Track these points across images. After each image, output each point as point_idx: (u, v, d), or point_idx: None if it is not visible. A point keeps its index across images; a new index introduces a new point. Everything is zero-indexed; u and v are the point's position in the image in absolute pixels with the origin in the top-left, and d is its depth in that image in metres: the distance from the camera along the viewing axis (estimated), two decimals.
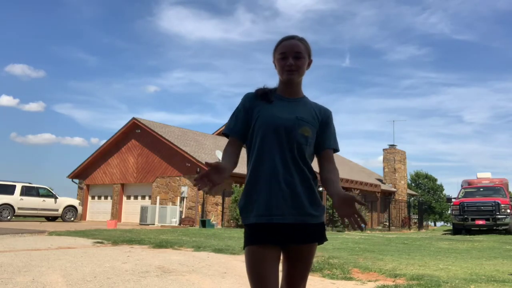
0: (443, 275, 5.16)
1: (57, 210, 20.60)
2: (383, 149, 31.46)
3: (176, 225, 19.41)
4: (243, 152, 1.92)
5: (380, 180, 30.74)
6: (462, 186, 21.89)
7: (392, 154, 30.94)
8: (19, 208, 19.22)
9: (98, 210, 24.81)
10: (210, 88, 77.75)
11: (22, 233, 10.57)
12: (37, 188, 20.29)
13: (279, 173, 1.82)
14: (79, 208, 21.87)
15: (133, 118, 23.48)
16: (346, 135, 76.78)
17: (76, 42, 63.04)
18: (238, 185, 18.69)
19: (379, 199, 25.54)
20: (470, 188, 20.38)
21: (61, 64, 66.24)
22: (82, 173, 25.67)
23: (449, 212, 29.31)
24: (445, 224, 51.86)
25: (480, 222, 17.58)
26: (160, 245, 8.22)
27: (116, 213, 23.48)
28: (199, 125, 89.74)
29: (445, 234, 19.61)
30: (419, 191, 51.31)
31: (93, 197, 25.61)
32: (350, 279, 4.99)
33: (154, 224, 18.99)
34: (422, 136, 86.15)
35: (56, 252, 6.91)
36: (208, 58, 71.56)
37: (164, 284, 4.42)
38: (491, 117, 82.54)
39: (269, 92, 1.96)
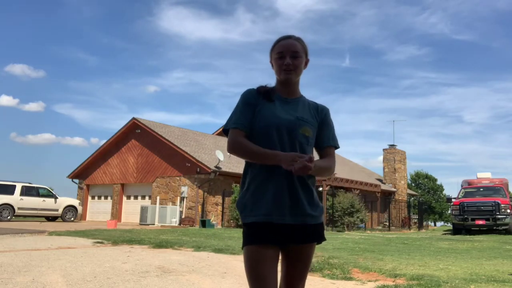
0: (443, 275, 5.16)
1: (57, 210, 20.60)
2: (383, 149, 31.47)
3: (176, 225, 19.40)
4: None
5: (380, 180, 30.74)
6: (462, 186, 21.89)
7: (392, 154, 30.94)
8: (19, 208, 19.22)
9: (98, 210, 24.81)
10: (210, 88, 77.80)
11: (22, 233, 10.57)
12: (37, 188, 20.29)
13: (280, 173, 1.82)
14: (79, 208, 21.87)
15: (133, 118, 23.49)
16: (346, 135, 76.89)
17: (76, 42, 63.09)
18: (238, 185, 18.69)
19: (379, 199, 25.53)
20: (470, 188, 20.38)
21: (61, 64, 66.29)
22: (82, 173, 25.67)
23: (449, 212, 29.30)
24: (445, 224, 51.82)
25: (480, 222, 17.58)
26: (160, 245, 8.22)
27: (116, 213, 23.48)
28: (199, 125, 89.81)
29: (445, 234, 19.62)
30: (419, 191, 51.30)
31: (93, 197, 25.61)
32: (350, 279, 4.99)
33: (154, 224, 18.99)
34: (422, 136, 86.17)
35: (56, 252, 6.91)
36: (208, 58, 71.62)
37: (164, 284, 4.42)
38: (491, 117, 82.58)
39: (270, 91, 1.95)
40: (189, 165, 20.35)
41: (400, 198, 29.46)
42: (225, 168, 19.98)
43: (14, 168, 68.49)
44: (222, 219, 19.63)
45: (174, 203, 20.72)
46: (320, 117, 2.00)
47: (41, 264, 5.55)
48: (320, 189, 19.49)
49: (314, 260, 5.93)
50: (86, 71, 67.55)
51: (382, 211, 26.48)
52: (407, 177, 34.15)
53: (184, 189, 20.56)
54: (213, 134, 28.37)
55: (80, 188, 25.88)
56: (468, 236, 16.05)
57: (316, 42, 63.92)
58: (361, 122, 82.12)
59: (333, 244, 9.54)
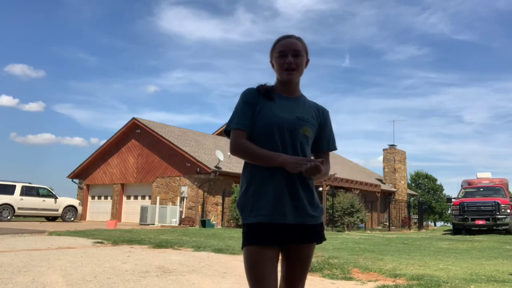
0: (443, 275, 5.16)
1: (57, 210, 20.60)
2: (383, 149, 31.47)
3: (176, 225, 19.40)
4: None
5: (380, 180, 30.74)
6: (462, 186, 21.89)
7: (392, 154, 30.94)
8: (19, 208, 19.22)
9: (98, 210, 24.81)
10: (210, 88, 77.81)
11: (22, 233, 10.57)
12: (37, 188, 20.29)
13: (281, 173, 1.82)
14: (79, 208, 21.87)
15: (133, 118, 23.48)
16: (346, 135, 76.88)
17: (76, 42, 63.10)
18: (238, 185, 18.68)
19: (379, 199, 25.53)
20: (470, 188, 20.38)
21: (61, 64, 66.30)
22: (82, 173, 25.67)
23: (449, 212, 29.30)
24: (445, 224, 51.82)
25: (480, 222, 17.57)
26: (160, 245, 8.22)
27: (116, 213, 23.49)
28: (199, 125, 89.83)
29: (445, 234, 19.61)
30: (419, 191, 51.30)
31: (93, 197, 25.61)
32: (350, 279, 4.99)
33: (154, 224, 18.99)
34: (422, 136, 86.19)
35: (56, 252, 6.91)
36: (208, 58, 71.62)
37: (164, 284, 4.41)
38: (491, 117, 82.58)
39: (270, 90, 1.95)
40: (189, 165, 20.34)
41: (400, 198, 29.46)
42: (225, 168, 19.98)
43: (14, 168, 68.53)
44: (222, 219, 19.63)
45: (174, 203, 20.72)
46: (321, 119, 2.00)
47: (41, 264, 5.55)
48: (320, 189, 19.49)
49: (314, 260, 5.93)
50: (86, 71, 67.61)
51: (382, 211, 26.48)
52: (407, 177, 34.16)
53: (184, 189, 20.56)
54: (213, 134, 28.36)
55: (80, 188, 25.88)
56: (468, 236, 16.05)
57: (316, 42, 63.93)
58: (361, 122, 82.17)
59: (333, 244, 9.54)
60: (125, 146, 23.98)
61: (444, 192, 55.64)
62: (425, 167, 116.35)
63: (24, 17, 58.69)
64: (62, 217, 20.73)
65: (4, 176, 41.34)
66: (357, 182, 23.70)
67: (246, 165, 1.91)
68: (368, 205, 22.68)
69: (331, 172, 23.01)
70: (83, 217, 24.15)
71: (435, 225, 49.62)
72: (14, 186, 19.37)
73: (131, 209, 23.24)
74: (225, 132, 1.95)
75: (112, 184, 24.21)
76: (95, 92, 67.50)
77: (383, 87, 78.54)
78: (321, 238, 1.92)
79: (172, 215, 19.81)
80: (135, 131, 23.52)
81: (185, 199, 20.53)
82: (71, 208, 21.19)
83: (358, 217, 19.56)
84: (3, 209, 18.67)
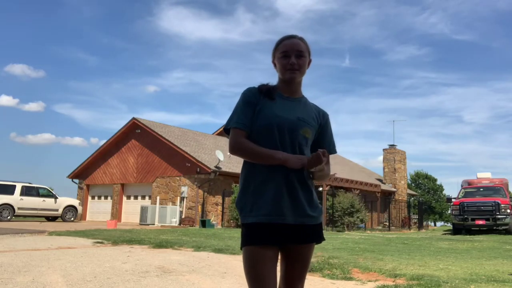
0: (443, 275, 5.16)
1: (57, 210, 20.60)
2: (383, 149, 31.47)
3: (176, 225, 19.40)
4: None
5: (380, 180, 30.74)
6: (462, 186, 21.88)
7: (392, 154, 30.94)
8: (19, 208, 19.22)
9: (98, 210, 24.81)
10: (210, 88, 77.82)
11: (22, 233, 10.56)
12: (37, 188, 20.29)
13: (280, 173, 1.82)
14: (79, 208, 21.87)
15: (133, 118, 23.49)
16: (346, 135, 76.90)
17: (76, 42, 63.12)
18: (238, 185, 18.63)
19: (379, 199, 25.53)
20: (470, 188, 20.38)
21: (61, 64, 66.32)
22: (82, 173, 25.67)
23: (449, 212, 29.30)
24: (445, 224, 51.82)
25: (480, 222, 17.57)
26: (160, 245, 8.22)
27: (116, 213, 23.49)
28: (199, 125, 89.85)
29: (445, 234, 19.61)
30: (419, 191, 51.29)
31: (93, 197, 25.61)
32: (350, 279, 4.99)
33: (154, 224, 18.99)
34: (422, 136, 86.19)
35: (56, 252, 6.91)
36: (208, 58, 71.63)
37: (164, 284, 4.41)
38: (491, 117, 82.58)
39: (272, 89, 1.94)
40: (189, 165, 20.34)
41: (400, 198, 29.46)
42: (225, 168, 19.98)
43: (14, 168, 68.56)
44: (222, 219, 19.63)
45: (174, 203, 20.72)
46: (322, 122, 2.01)
47: (41, 264, 5.55)
48: (320, 189, 19.48)
49: (314, 260, 5.93)
50: (86, 71, 67.62)
51: (382, 211, 26.48)
52: (407, 177, 34.16)
53: (184, 189, 20.56)
54: (213, 134, 28.37)
55: (80, 188, 25.88)
56: (468, 236, 16.05)
57: (316, 42, 63.90)
58: (361, 122, 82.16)
59: (333, 244, 9.54)
60: (125, 146, 23.98)
61: (444, 192, 55.70)
62: (425, 167, 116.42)
63: (24, 17, 58.74)
64: (62, 217, 20.73)
65: (4, 176, 41.36)
66: (357, 182, 23.69)
67: (245, 165, 1.91)
68: (368, 205, 22.68)
69: (331, 172, 22.81)
70: (83, 217, 24.15)
71: (435, 225, 49.62)
72: (14, 186, 19.37)
73: (131, 209, 23.25)
74: (225, 130, 1.95)
75: (112, 184, 24.21)
76: (95, 92, 67.55)
77: (383, 87, 78.61)
78: (320, 238, 1.92)
79: (172, 215, 19.81)
80: (135, 131, 23.52)
81: (185, 199, 20.53)
82: (71, 208, 21.19)
83: (358, 217, 19.56)
84: (3, 209, 18.67)
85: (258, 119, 1.88)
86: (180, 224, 19.78)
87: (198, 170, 19.98)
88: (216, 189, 20.09)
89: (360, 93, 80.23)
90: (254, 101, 1.90)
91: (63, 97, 68.11)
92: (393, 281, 4.76)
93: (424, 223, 28.21)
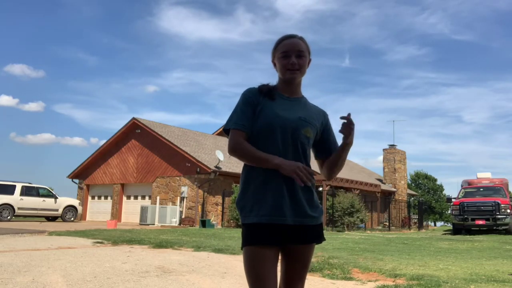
0: (443, 275, 5.16)
1: (57, 210, 20.60)
2: (383, 149, 31.47)
3: (176, 225, 19.41)
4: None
5: (380, 180, 30.74)
6: (462, 186, 21.88)
7: (392, 154, 30.94)
8: (19, 208, 19.22)
9: (98, 210, 24.81)
10: (210, 88, 77.83)
11: (22, 233, 10.57)
12: (37, 188, 20.29)
13: (280, 173, 1.81)
14: (79, 208, 21.87)
15: (133, 118, 23.49)
16: None
17: (76, 42, 63.12)
18: (238, 185, 18.67)
19: (379, 199, 25.52)
20: (470, 188, 20.37)
21: (61, 64, 66.33)
22: (82, 173, 25.67)
23: (449, 212, 29.29)
24: (445, 224, 51.82)
25: (480, 222, 17.57)
26: (160, 245, 8.22)
27: (116, 213, 23.49)
28: (199, 125, 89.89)
29: (445, 234, 19.61)
30: (419, 191, 51.30)
31: (93, 197, 25.61)
32: (350, 279, 4.99)
33: (154, 224, 18.99)
34: (422, 136, 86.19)
35: (56, 252, 6.91)
36: (208, 58, 71.63)
37: (164, 284, 4.41)
38: (491, 117, 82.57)
39: (272, 89, 1.95)
40: (189, 165, 20.35)
41: (400, 198, 29.46)
42: (225, 168, 19.98)
43: (14, 168, 68.59)
44: (222, 219, 19.63)
45: (174, 203, 20.72)
46: (324, 121, 2.02)
47: (41, 264, 5.55)
48: (320, 189, 19.48)
49: (314, 260, 5.93)
50: (86, 71, 67.63)
51: (382, 211, 26.48)
52: (407, 177, 34.15)
53: (184, 189, 20.56)
54: (213, 134, 28.37)
55: (80, 188, 25.88)
56: (468, 236, 16.05)
57: (316, 42, 63.89)
58: (361, 122, 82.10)
59: (333, 244, 9.54)
60: (125, 146, 23.99)
61: (444, 192, 55.70)
62: (425, 167, 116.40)
63: (24, 17, 58.74)
64: (62, 217, 20.73)
65: (4, 176, 41.39)
66: (357, 182, 23.70)
67: (245, 165, 1.91)
68: (368, 205, 22.68)
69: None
70: (83, 217, 24.15)
71: (435, 225, 49.63)
72: (14, 186, 19.37)
73: (131, 209, 23.25)
74: (224, 131, 1.95)
75: (112, 184, 24.21)
76: (95, 92, 67.57)
77: (383, 87, 78.61)
78: (320, 239, 1.92)
79: (172, 215, 19.81)
80: (135, 131, 23.52)
81: (185, 199, 20.53)
82: (71, 208, 21.19)
83: (358, 217, 19.56)
84: (3, 209, 18.67)
85: (259, 119, 1.87)
86: (180, 224, 19.78)
87: (198, 170, 19.98)
88: (216, 189, 20.09)
89: (360, 93, 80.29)
90: (254, 102, 1.90)
91: (63, 97, 68.17)
92: (393, 281, 4.76)
93: (424, 223, 28.21)
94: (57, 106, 67.88)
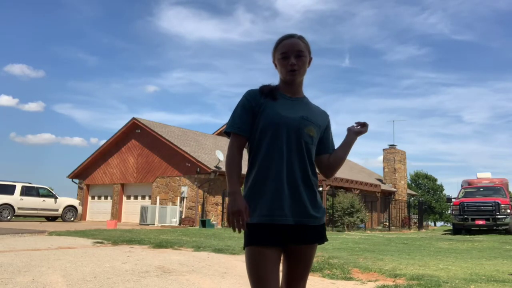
0: (443, 275, 5.16)
1: (57, 210, 20.60)
2: (383, 149, 31.45)
3: (176, 225, 19.40)
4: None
5: (380, 180, 30.73)
6: (462, 186, 21.88)
7: (392, 154, 30.93)
8: (19, 208, 19.22)
9: (98, 210, 24.81)
10: (210, 88, 77.84)
11: (22, 233, 10.56)
12: (37, 188, 20.28)
13: (284, 173, 1.82)
14: (79, 208, 21.87)
15: (133, 118, 23.48)
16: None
17: (76, 42, 63.11)
18: None
19: (379, 199, 25.52)
20: (470, 188, 20.37)
21: (61, 64, 66.32)
22: (82, 173, 25.67)
23: (449, 212, 29.28)
24: (445, 224, 51.82)
25: (480, 222, 17.57)
26: (160, 245, 8.22)
27: (116, 213, 23.48)
28: (199, 125, 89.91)
29: (445, 234, 19.61)
30: (419, 191, 51.29)
31: (93, 197, 25.61)
32: (350, 279, 4.99)
33: (154, 224, 18.99)
34: (422, 136, 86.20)
35: (56, 252, 6.91)
36: (208, 58, 71.62)
37: (164, 284, 4.41)
38: (491, 117, 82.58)
39: (274, 89, 1.95)
40: (189, 165, 20.34)
41: (400, 198, 29.45)
42: (225, 168, 19.95)
43: (14, 168, 68.60)
44: (222, 219, 19.62)
45: (174, 203, 20.72)
46: (326, 122, 2.03)
47: (41, 264, 5.55)
48: (320, 189, 19.48)
49: (314, 260, 5.90)
50: (86, 71, 67.63)
51: (382, 211, 26.48)
52: (407, 177, 34.14)
53: (184, 189, 20.56)
54: (213, 134, 28.36)
55: (80, 188, 25.88)
56: (468, 236, 16.05)
57: (316, 42, 63.86)
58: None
59: (333, 244, 9.54)
60: (125, 146, 23.98)
61: (444, 192, 55.70)
62: (425, 167, 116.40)
63: (24, 17, 58.74)
64: (62, 217, 20.73)
65: (4, 176, 41.39)
66: (357, 182, 23.69)
67: (250, 165, 1.91)
68: (368, 205, 22.68)
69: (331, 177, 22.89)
70: (83, 217, 24.15)
71: (435, 225, 49.62)
72: (14, 186, 19.37)
73: (131, 209, 23.24)
74: (225, 133, 1.98)
75: (112, 184, 24.21)
76: (95, 92, 67.57)
77: (383, 87, 78.61)
78: (322, 239, 1.93)
79: (172, 215, 19.81)
80: (135, 131, 23.51)
81: (185, 199, 20.53)
82: (71, 208, 21.18)
83: (358, 217, 19.56)
84: (3, 209, 18.67)
85: (262, 120, 1.88)
86: (180, 224, 19.78)
87: (198, 170, 19.98)
88: (216, 189, 20.09)
89: (360, 93, 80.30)
90: (253, 104, 1.91)
91: (63, 97, 68.16)
92: (393, 281, 4.76)
93: (424, 223, 28.20)
94: (57, 106, 67.93)
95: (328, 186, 20.49)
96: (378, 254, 7.71)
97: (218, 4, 69.03)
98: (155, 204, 20.29)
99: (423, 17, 69.34)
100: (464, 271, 5.64)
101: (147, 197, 22.77)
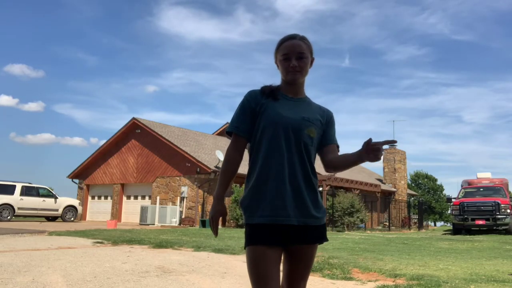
0: (443, 275, 5.16)
1: (57, 210, 20.60)
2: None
3: (176, 225, 19.41)
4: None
5: (380, 180, 30.74)
6: (462, 186, 21.88)
7: (392, 154, 30.94)
8: (19, 208, 19.21)
9: (98, 210, 24.80)
10: (210, 88, 77.83)
11: (22, 233, 10.56)
12: (37, 188, 20.28)
13: (286, 173, 1.82)
14: (79, 208, 21.87)
15: (133, 118, 23.48)
16: (346, 135, 76.78)
17: (76, 42, 63.10)
18: (238, 185, 18.69)
19: (379, 199, 25.53)
20: (470, 188, 20.38)
21: (61, 64, 66.31)
22: (82, 173, 25.67)
23: (449, 212, 29.28)
24: (445, 224, 51.82)
25: (480, 222, 17.57)
26: (160, 245, 8.22)
27: (116, 213, 23.48)
28: (199, 125, 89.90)
29: (445, 234, 19.61)
30: (419, 191, 51.29)
31: (93, 197, 25.60)
32: (350, 279, 4.99)
33: (154, 224, 18.99)
34: (422, 136, 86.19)
35: (56, 252, 6.91)
36: (208, 58, 71.61)
37: (164, 284, 4.41)
38: (491, 117, 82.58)
39: (275, 90, 1.95)
40: (189, 165, 20.34)
41: (400, 198, 29.46)
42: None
43: (14, 168, 68.60)
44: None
45: (174, 203, 20.72)
46: (326, 121, 2.01)
47: (41, 264, 5.55)
48: (320, 189, 19.48)
49: (314, 260, 5.91)
50: (86, 71, 67.63)
51: (382, 211, 26.48)
52: (407, 177, 34.14)
53: (184, 189, 20.56)
54: (213, 134, 28.36)
55: (80, 188, 25.87)
56: (468, 236, 16.05)
57: (315, 42, 63.56)
58: (361, 122, 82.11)
59: (333, 244, 9.54)
60: (125, 146, 23.98)
61: (444, 192, 55.69)
62: (425, 167, 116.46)
63: (24, 17, 58.73)
64: (62, 217, 20.72)
65: (4, 176, 41.40)
66: (357, 182, 23.69)
67: (250, 164, 1.92)
68: (368, 205, 22.68)
69: (330, 173, 22.98)
70: (83, 217, 24.15)
71: (435, 225, 49.62)
72: (14, 186, 19.36)
73: (131, 209, 23.24)
74: (227, 133, 1.99)
75: (112, 184, 24.21)
76: (94, 92, 67.57)
77: (383, 87, 78.60)
78: (323, 239, 1.93)
79: (172, 215, 19.81)
80: (135, 131, 23.51)
81: (185, 199, 20.53)
82: (71, 208, 21.18)
83: (358, 217, 19.56)
84: (3, 209, 18.67)
85: (263, 120, 1.89)
86: (180, 224, 19.78)
87: (198, 170, 19.98)
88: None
89: (360, 93, 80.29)
90: (252, 105, 1.92)
91: (62, 97, 68.16)
92: (393, 281, 4.76)
93: (424, 223, 28.21)
94: (57, 106, 67.93)
95: (328, 186, 20.49)
96: (378, 254, 7.71)
97: (218, 4, 69.07)
98: (155, 204, 20.29)
99: (423, 17, 69.39)
100: (464, 271, 5.64)
101: (147, 197, 22.77)
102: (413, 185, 53.41)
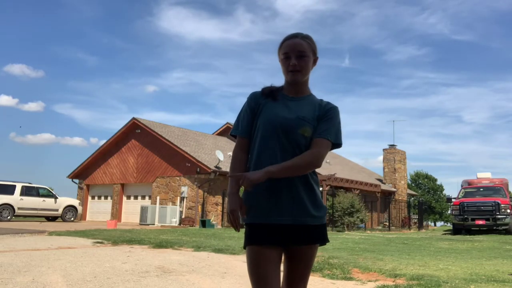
0: (443, 275, 5.16)
1: (57, 210, 20.60)
2: (383, 149, 31.45)
3: (176, 225, 19.40)
4: None
5: (380, 180, 30.73)
6: (462, 186, 21.88)
7: (392, 154, 30.93)
8: (19, 208, 19.22)
9: (98, 210, 24.80)
10: (210, 88, 77.83)
11: (22, 233, 10.56)
12: (37, 188, 20.28)
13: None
14: (79, 208, 21.87)
15: (133, 118, 23.48)
16: (346, 135, 76.86)
17: (76, 42, 63.09)
18: None
19: (379, 199, 25.52)
20: (470, 188, 20.37)
21: (61, 64, 66.29)
22: (82, 173, 25.67)
23: (449, 212, 29.29)
24: (445, 224, 51.82)
25: (480, 222, 17.57)
26: (160, 245, 8.22)
27: (116, 213, 23.48)
28: (199, 125, 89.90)
29: (445, 234, 19.61)
30: (419, 191, 51.28)
31: (93, 197, 25.61)
32: (350, 279, 4.99)
33: (154, 224, 18.99)
34: (422, 136, 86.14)
35: (56, 252, 6.91)
36: (208, 58, 71.60)
37: (164, 284, 4.41)
38: (491, 117, 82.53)
39: (275, 90, 1.95)
40: (189, 165, 20.34)
41: (400, 198, 29.45)
42: (225, 168, 19.97)
43: (14, 168, 68.58)
44: (222, 219, 19.63)
45: (174, 203, 20.72)
46: (319, 114, 1.89)
47: (41, 264, 5.55)
48: (320, 189, 19.43)
49: (314, 260, 5.91)
50: (86, 71, 67.61)
51: (382, 211, 26.48)
52: (407, 177, 34.13)
53: (184, 189, 20.56)
54: (213, 134, 28.35)
55: (80, 188, 25.87)
56: (468, 236, 16.05)
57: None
58: (361, 122, 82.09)
59: (333, 244, 9.54)
60: (125, 146, 23.98)
61: (444, 192, 55.68)
62: (425, 167, 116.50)
63: (24, 17, 58.73)
64: (62, 217, 20.72)
65: (4, 176, 41.40)
66: (357, 182, 23.69)
67: (249, 163, 1.92)
68: (368, 205, 22.68)
69: (331, 172, 23.14)
70: (83, 217, 24.15)
71: (435, 225, 49.62)
72: (14, 186, 19.36)
73: (131, 209, 23.24)
74: (231, 134, 2.04)
75: (112, 184, 24.21)
76: (94, 92, 67.57)
77: (383, 87, 78.60)
78: (324, 240, 1.91)
79: (172, 215, 19.81)
80: (135, 131, 23.52)
81: (185, 199, 20.53)
82: (71, 208, 21.18)
83: (358, 217, 19.56)
84: (3, 209, 18.67)
85: (259, 120, 1.90)
86: (180, 224, 19.78)
87: (198, 170, 19.98)
88: (216, 189, 20.09)
89: (360, 93, 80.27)
90: (253, 106, 1.94)
91: (62, 97, 68.16)
92: (393, 281, 4.76)
93: (424, 223, 28.20)
94: (57, 106, 67.91)
95: (328, 186, 20.49)
96: (378, 254, 7.71)
97: (218, 4, 69.06)
98: (155, 204, 20.29)
99: (423, 17, 69.38)
100: (464, 271, 5.64)
101: (147, 197, 22.77)
102: (413, 185, 53.41)
